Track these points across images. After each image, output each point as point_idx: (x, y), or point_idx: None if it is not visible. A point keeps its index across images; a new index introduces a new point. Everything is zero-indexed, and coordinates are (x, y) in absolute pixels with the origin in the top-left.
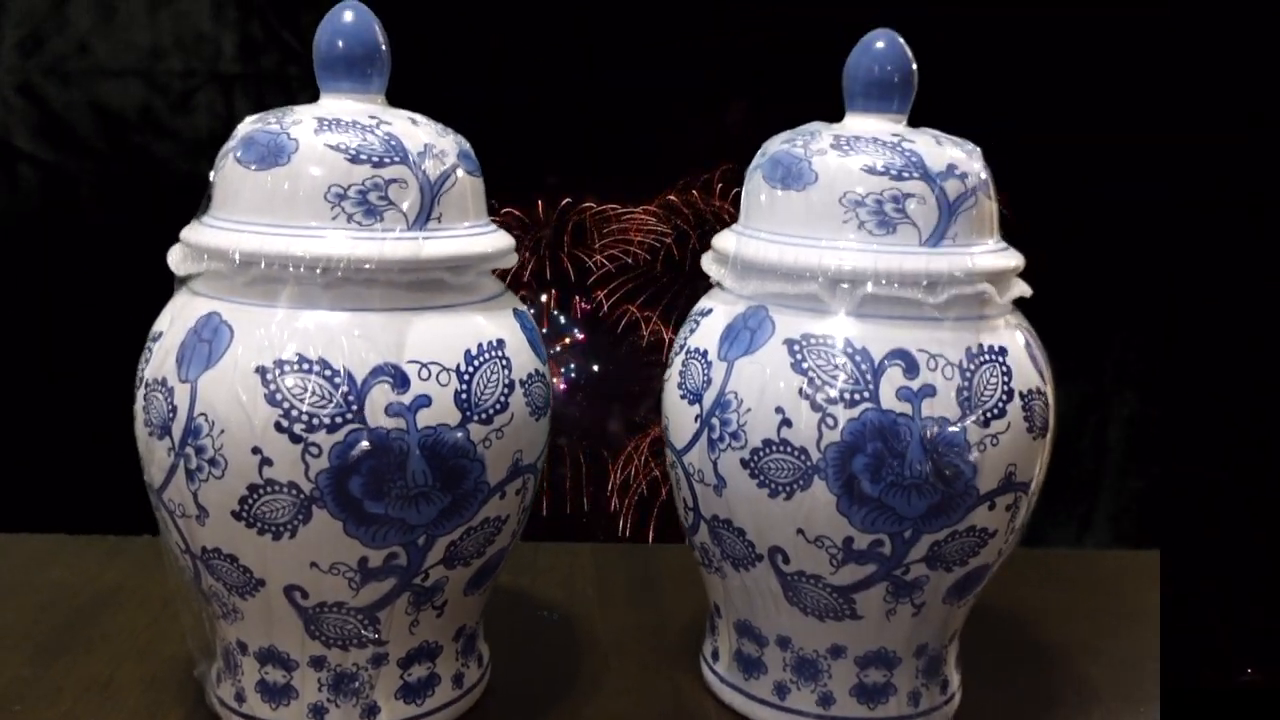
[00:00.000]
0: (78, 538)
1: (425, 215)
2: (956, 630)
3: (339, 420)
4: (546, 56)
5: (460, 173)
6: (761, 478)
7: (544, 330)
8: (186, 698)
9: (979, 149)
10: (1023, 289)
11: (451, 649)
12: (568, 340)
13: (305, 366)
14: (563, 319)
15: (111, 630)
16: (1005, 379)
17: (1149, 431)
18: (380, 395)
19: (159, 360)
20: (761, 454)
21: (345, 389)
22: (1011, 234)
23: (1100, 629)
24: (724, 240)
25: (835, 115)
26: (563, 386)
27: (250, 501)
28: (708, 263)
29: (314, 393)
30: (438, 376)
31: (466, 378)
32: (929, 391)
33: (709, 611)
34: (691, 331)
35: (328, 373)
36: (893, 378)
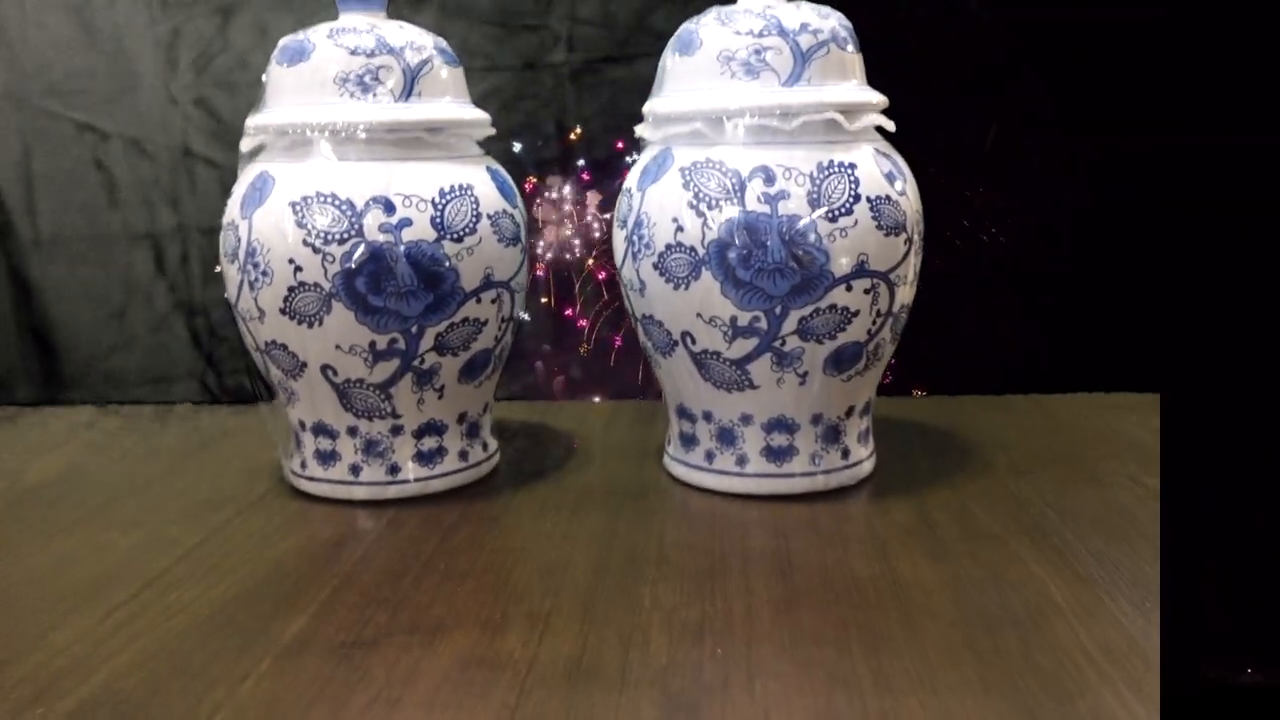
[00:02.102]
0: (211, 407)
1: (407, 91)
2: (854, 407)
3: (345, 236)
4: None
5: (437, 62)
6: (666, 275)
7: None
8: (271, 476)
9: (840, 14)
10: (881, 121)
11: (456, 430)
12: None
13: (322, 199)
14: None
15: (230, 447)
16: (853, 186)
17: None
18: (374, 218)
19: (230, 209)
20: (665, 256)
21: (349, 214)
22: None
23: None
24: (646, 105)
25: None
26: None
27: (290, 299)
28: (640, 129)
29: (328, 217)
30: (417, 205)
31: (440, 207)
32: (783, 195)
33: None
34: (626, 178)
35: (337, 202)
36: (755, 187)
